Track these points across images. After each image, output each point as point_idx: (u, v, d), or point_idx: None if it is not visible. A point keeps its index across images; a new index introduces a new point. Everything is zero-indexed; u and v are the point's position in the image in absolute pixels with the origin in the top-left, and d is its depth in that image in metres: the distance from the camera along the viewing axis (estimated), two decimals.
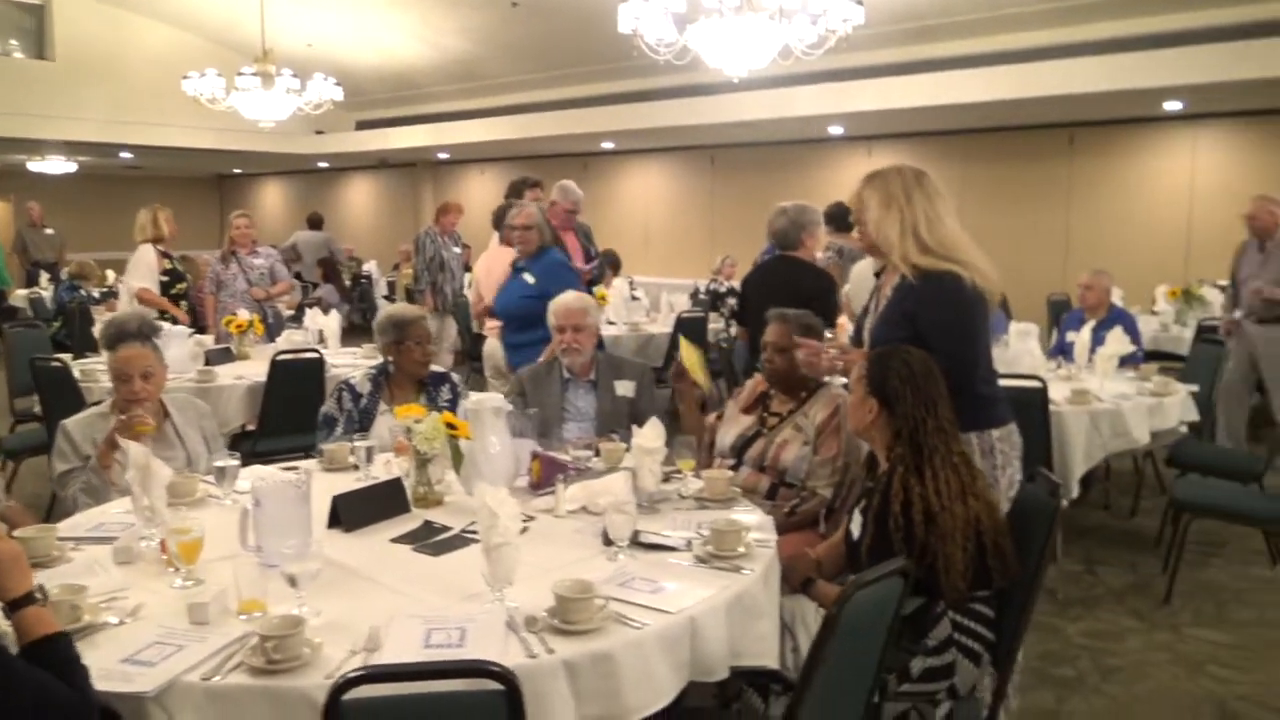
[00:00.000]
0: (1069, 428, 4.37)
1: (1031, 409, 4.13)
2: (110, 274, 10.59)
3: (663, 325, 7.77)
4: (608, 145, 13.69)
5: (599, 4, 6.28)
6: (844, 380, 2.89)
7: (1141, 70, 8.16)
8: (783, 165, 12.49)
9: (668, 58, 6.53)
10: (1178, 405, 4.70)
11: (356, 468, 3.11)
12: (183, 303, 6.95)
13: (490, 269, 5.79)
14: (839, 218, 6.99)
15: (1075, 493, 4.46)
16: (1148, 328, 7.47)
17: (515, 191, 6.58)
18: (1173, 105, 9.21)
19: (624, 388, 3.82)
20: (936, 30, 9.37)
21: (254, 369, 5.35)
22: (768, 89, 9.88)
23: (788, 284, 4.57)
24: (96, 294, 9.34)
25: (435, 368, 3.77)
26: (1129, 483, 5.63)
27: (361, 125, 15.26)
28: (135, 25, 12.84)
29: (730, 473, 2.91)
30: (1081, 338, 5.41)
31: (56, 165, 15.50)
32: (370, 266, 14.61)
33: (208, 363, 5.56)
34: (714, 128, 11.32)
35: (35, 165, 15.47)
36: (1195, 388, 4.97)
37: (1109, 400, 4.53)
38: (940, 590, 2.35)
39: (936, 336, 2.74)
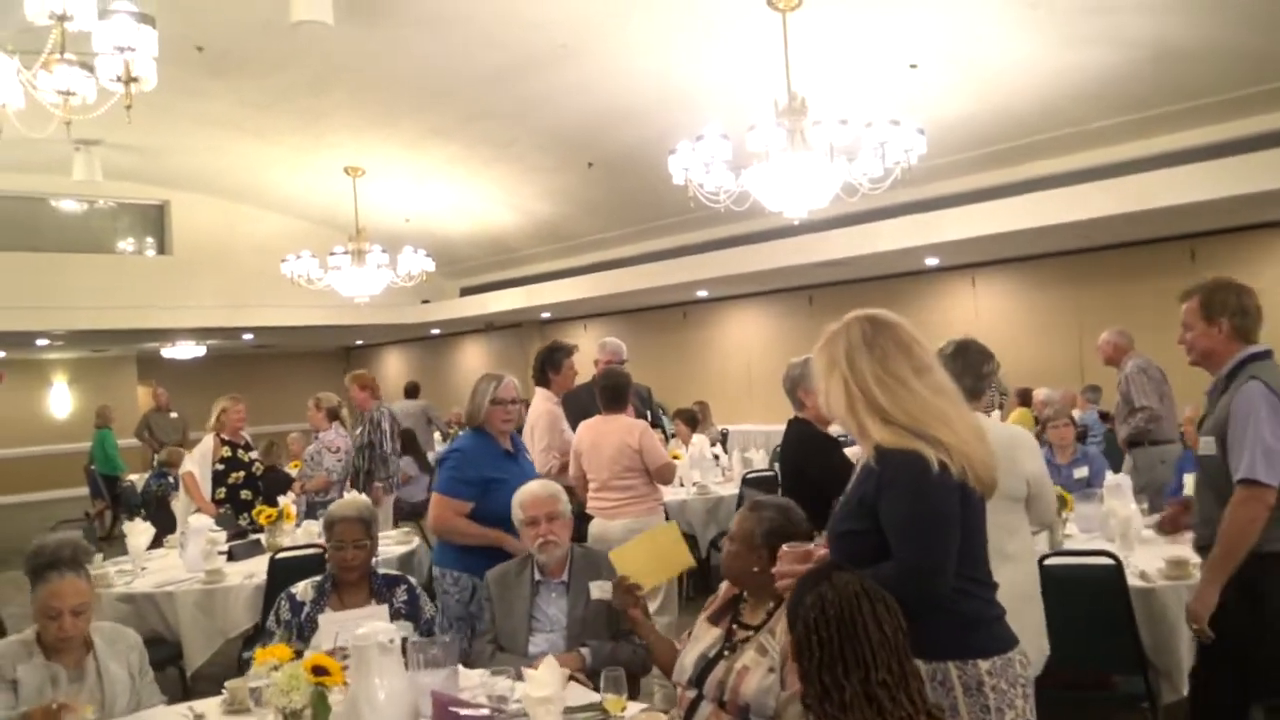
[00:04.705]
0: (1167, 608, 3.58)
1: (1107, 590, 3.41)
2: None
3: (736, 485, 7.19)
4: (702, 293, 13.44)
5: (665, 158, 6.15)
6: None
7: (1258, 173, 7.38)
8: (883, 300, 11.63)
9: (727, 205, 6.29)
10: None
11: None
12: (244, 491, 6.86)
13: (597, 432, 5.25)
14: None
15: (1186, 689, 3.61)
16: None
17: (552, 360, 6.14)
18: None
19: (599, 589, 3.30)
20: (1022, 151, 8.83)
21: None
22: (850, 225, 9.48)
23: (786, 453, 4.14)
24: None
25: (388, 571, 3.36)
26: None
27: (465, 291, 15.57)
28: (245, 215, 13.56)
29: (663, 718, 2.34)
30: (1190, 484, 4.59)
31: (186, 350, 16.35)
32: None
33: (231, 557, 5.33)
34: (805, 268, 10.94)
35: (168, 351, 16.38)
36: None
37: None
38: None
39: (891, 534, 2.15)
